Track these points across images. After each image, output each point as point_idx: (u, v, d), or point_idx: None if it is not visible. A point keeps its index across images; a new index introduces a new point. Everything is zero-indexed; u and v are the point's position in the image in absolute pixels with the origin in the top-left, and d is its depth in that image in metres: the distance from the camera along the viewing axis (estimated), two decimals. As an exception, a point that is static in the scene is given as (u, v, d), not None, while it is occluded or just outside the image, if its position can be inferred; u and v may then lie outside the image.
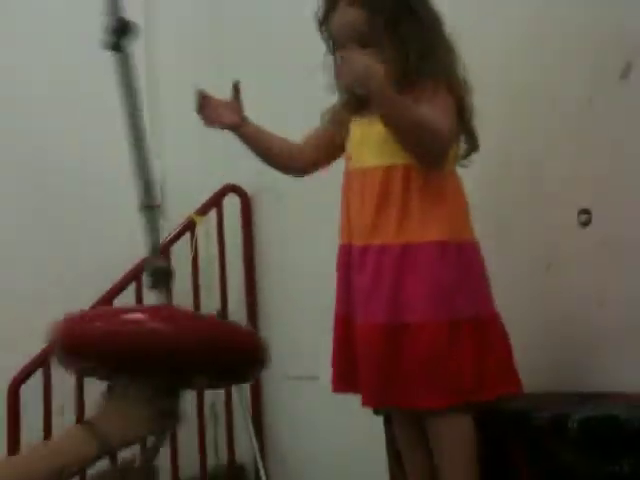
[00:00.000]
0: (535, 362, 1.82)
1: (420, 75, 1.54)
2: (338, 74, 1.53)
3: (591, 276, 1.78)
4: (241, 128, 1.71)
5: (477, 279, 1.58)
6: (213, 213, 2.94)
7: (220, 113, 1.68)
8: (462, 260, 1.56)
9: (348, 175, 1.65)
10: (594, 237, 1.77)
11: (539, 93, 1.90)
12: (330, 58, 1.65)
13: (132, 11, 3.02)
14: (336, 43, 1.61)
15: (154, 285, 1.30)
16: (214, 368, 1.22)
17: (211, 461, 2.90)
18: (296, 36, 1.75)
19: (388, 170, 1.56)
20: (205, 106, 1.68)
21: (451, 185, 1.61)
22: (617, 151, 1.74)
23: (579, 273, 1.81)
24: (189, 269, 2.89)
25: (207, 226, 2.94)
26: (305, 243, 2.67)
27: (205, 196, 2.94)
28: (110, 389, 1.24)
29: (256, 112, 2.71)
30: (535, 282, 1.89)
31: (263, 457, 2.64)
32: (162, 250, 2.84)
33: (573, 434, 1.40)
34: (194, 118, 3.08)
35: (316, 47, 1.66)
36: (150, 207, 1.34)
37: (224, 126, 1.70)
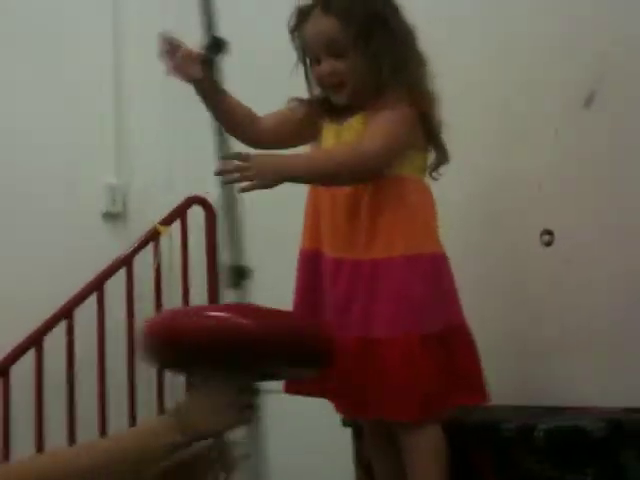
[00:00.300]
0: (499, 376, 1.90)
1: (388, 88, 1.55)
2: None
3: (553, 292, 1.86)
4: (205, 82, 1.58)
5: (446, 291, 1.60)
6: (177, 224, 2.96)
7: (185, 63, 1.55)
8: (430, 273, 1.58)
9: None
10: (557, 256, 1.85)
11: (509, 121, 1.98)
12: (301, 66, 1.66)
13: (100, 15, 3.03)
14: (309, 52, 1.62)
15: (233, 284, 1.46)
16: (292, 361, 1.33)
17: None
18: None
19: None
20: (170, 53, 1.55)
21: (420, 196, 1.62)
22: (583, 174, 1.83)
23: (542, 289, 1.88)
24: (152, 279, 2.91)
25: (171, 237, 2.95)
26: (269, 255, 2.70)
27: (169, 208, 2.96)
28: (192, 383, 1.32)
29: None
30: (500, 296, 1.95)
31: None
32: (125, 259, 2.88)
33: (539, 443, 1.45)
34: (161, 129, 3.16)
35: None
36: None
37: (187, 77, 1.57)
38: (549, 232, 1.86)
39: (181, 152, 3.10)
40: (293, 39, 1.64)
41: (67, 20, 3.02)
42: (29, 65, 2.92)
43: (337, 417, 1.89)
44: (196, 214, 2.98)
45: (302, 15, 1.60)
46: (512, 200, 1.96)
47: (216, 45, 1.51)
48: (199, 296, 2.95)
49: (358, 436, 1.86)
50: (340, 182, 1.56)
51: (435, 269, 1.59)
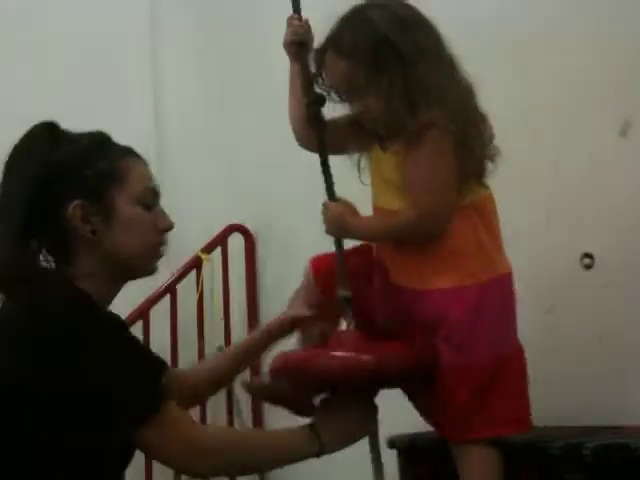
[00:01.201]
0: (540, 398, 1.94)
1: (408, 118, 1.49)
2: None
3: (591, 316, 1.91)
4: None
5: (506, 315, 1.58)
6: (218, 252, 3.04)
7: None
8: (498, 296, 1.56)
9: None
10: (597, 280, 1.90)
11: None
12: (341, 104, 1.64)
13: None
14: (337, 93, 1.62)
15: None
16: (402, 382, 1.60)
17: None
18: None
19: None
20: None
21: (463, 225, 1.55)
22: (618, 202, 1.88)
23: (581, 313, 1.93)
24: (194, 306, 2.98)
25: (212, 265, 3.03)
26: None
27: (209, 236, 3.04)
28: (326, 401, 1.54)
29: (270, 159, 2.85)
30: (539, 321, 2.00)
31: None
32: (169, 287, 2.96)
33: (587, 461, 1.49)
34: (201, 156, 3.23)
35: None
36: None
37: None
38: (589, 255, 1.91)
39: (220, 179, 3.18)
40: (321, 87, 1.63)
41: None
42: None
43: (382, 438, 1.94)
44: (236, 241, 3.07)
45: (319, 60, 1.61)
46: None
47: (320, 101, 1.64)
48: (239, 323, 3.02)
49: (404, 458, 1.91)
50: (399, 236, 1.58)
51: (491, 295, 1.55)
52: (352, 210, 1.61)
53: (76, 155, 1.39)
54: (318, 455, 1.46)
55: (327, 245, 1.83)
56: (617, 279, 1.87)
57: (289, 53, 1.69)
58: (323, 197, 1.83)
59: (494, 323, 1.54)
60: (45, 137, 1.40)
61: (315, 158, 1.76)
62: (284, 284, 2.91)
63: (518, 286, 1.83)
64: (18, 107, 2.79)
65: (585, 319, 1.93)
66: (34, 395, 1.27)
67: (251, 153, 3.12)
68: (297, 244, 2.86)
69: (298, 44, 1.66)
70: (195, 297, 2.99)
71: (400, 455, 1.93)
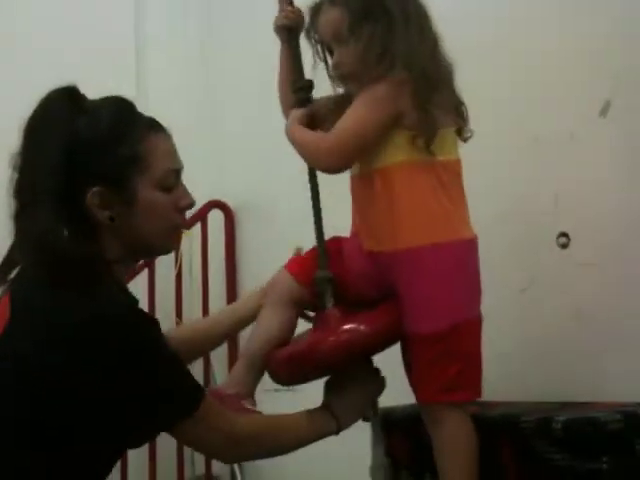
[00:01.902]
0: (516, 374, 1.97)
1: (384, 73, 1.52)
2: None
3: (568, 295, 1.93)
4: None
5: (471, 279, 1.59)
6: (197, 228, 3.04)
7: None
8: (456, 261, 1.56)
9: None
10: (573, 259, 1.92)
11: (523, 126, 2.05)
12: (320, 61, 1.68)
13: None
14: (324, 46, 1.66)
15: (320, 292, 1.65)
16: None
17: (187, 473, 2.96)
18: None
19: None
20: None
21: (411, 184, 1.55)
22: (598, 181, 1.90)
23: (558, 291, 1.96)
24: (172, 282, 2.98)
25: (191, 240, 3.03)
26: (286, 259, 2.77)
27: (190, 211, 3.03)
28: (331, 380, 1.62)
29: (252, 136, 2.86)
30: (516, 299, 2.02)
31: (241, 470, 2.72)
32: (147, 262, 2.95)
33: (557, 434, 1.52)
34: (182, 133, 3.22)
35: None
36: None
37: None
38: (565, 234, 1.93)
39: (201, 156, 3.17)
40: (310, 37, 1.67)
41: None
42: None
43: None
44: (216, 218, 3.07)
45: (315, 12, 1.63)
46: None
47: (307, 87, 1.70)
48: (218, 298, 3.02)
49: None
50: (303, 155, 1.64)
51: (460, 257, 1.57)
52: (301, 119, 1.64)
53: (99, 135, 1.32)
54: (337, 432, 1.56)
55: (307, 224, 1.85)
56: (593, 258, 1.89)
57: (280, 37, 1.72)
58: (304, 176, 1.85)
59: (452, 288, 1.54)
60: (65, 104, 1.34)
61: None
62: (263, 261, 2.93)
63: (494, 264, 1.87)
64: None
65: (561, 297, 1.95)
66: (82, 393, 1.25)
67: (233, 131, 3.12)
68: (277, 221, 2.88)
69: (289, 29, 1.70)
70: (174, 273, 2.99)
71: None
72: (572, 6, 1.98)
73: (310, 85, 1.69)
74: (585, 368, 1.88)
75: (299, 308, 1.70)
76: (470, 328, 1.56)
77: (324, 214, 1.72)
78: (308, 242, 1.82)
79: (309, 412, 1.55)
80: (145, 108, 1.46)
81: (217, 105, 3.21)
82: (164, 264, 2.98)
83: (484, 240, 2.03)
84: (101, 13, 3.10)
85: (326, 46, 1.65)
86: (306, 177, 1.75)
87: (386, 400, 1.94)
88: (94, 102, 1.40)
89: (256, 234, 3.01)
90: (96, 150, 1.32)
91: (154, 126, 1.41)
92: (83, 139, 1.32)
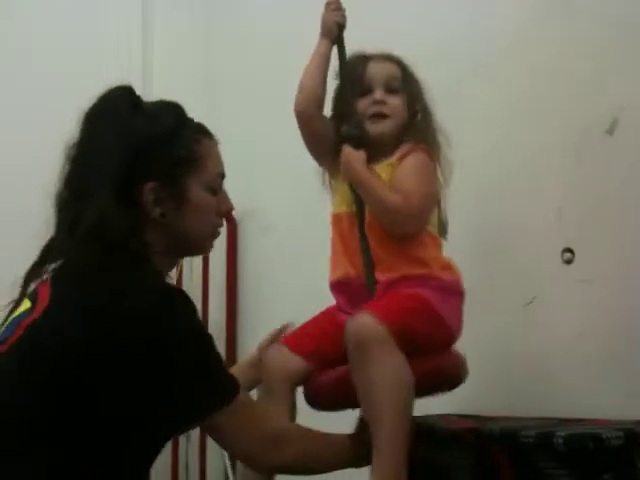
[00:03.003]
0: (516, 389, 1.96)
1: (416, 135, 1.69)
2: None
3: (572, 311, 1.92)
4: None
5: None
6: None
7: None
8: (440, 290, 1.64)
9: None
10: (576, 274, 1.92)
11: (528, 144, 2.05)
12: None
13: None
14: (363, 84, 1.71)
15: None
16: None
17: (182, 481, 2.95)
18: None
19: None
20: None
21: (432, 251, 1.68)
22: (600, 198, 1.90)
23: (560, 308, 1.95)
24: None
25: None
26: (289, 273, 2.77)
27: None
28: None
29: (244, 132, 2.85)
30: (517, 315, 2.02)
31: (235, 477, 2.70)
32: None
33: (559, 449, 1.51)
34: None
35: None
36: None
37: None
38: (570, 250, 1.93)
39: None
40: (345, 71, 1.72)
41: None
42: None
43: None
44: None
45: (364, 57, 1.73)
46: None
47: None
48: (218, 309, 3.01)
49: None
50: (381, 215, 1.63)
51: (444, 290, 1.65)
52: (364, 162, 1.64)
53: (158, 134, 1.38)
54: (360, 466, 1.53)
55: (310, 234, 1.85)
56: (597, 274, 1.88)
57: (329, 34, 1.74)
58: (308, 185, 1.86)
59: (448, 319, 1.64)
60: (127, 102, 1.39)
61: (301, 146, 1.80)
62: (265, 270, 2.93)
63: (501, 279, 1.87)
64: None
65: (564, 314, 1.94)
66: (116, 374, 1.24)
67: (236, 139, 3.11)
68: (280, 230, 2.87)
69: (340, 27, 1.74)
70: (174, 279, 2.97)
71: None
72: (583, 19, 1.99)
73: (362, 120, 1.68)
74: (585, 385, 1.88)
75: (296, 384, 1.67)
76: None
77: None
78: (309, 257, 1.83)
79: (346, 436, 1.53)
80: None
81: (220, 114, 3.20)
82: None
83: (487, 255, 2.05)
84: (107, 10, 3.11)
85: (367, 84, 1.70)
86: (306, 184, 1.78)
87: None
88: (150, 104, 1.45)
89: (259, 243, 3.01)
90: (155, 147, 1.37)
91: (206, 131, 1.47)
92: (143, 136, 1.37)
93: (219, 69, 3.20)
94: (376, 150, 1.69)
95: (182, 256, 1.50)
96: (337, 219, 1.72)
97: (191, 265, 3.06)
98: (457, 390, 1.73)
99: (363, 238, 1.63)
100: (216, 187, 1.44)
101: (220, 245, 3.04)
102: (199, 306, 2.98)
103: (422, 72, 1.78)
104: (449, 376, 1.65)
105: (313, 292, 1.89)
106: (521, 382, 1.98)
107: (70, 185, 1.36)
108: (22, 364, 1.26)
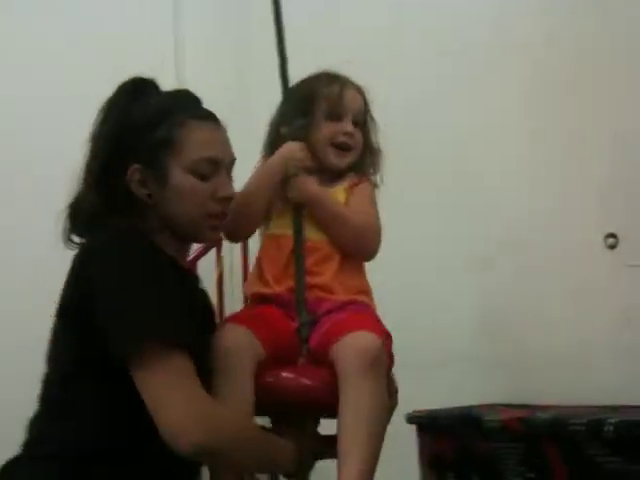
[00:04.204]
0: (565, 377, 1.95)
1: (367, 167, 1.66)
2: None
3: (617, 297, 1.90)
4: None
5: None
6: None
7: None
8: None
9: None
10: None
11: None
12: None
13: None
14: (335, 109, 1.64)
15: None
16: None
17: None
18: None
19: None
20: None
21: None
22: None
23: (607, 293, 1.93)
24: (213, 286, 2.99)
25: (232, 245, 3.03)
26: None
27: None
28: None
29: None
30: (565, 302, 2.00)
31: None
32: (190, 263, 2.94)
33: (609, 437, 1.49)
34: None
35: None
36: None
37: None
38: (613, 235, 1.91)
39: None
40: (312, 89, 1.65)
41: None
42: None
43: (402, 413, 1.95)
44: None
45: (338, 78, 1.66)
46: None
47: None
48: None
49: (424, 433, 1.92)
50: (341, 238, 1.58)
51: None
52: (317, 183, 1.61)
53: (143, 118, 1.41)
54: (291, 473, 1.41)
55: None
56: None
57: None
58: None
59: None
60: (131, 90, 1.44)
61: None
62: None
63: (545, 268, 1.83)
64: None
65: (611, 300, 1.92)
66: (80, 315, 1.30)
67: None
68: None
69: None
70: (214, 276, 2.99)
71: (420, 430, 1.94)
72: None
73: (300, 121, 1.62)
74: (633, 371, 1.85)
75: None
76: None
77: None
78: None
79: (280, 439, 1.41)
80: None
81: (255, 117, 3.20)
82: (204, 267, 2.99)
83: (533, 243, 2.03)
84: (139, 14, 3.12)
85: (338, 111, 1.63)
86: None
87: (431, 403, 1.94)
88: (157, 93, 1.47)
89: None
90: (137, 131, 1.41)
91: (202, 116, 1.43)
92: (131, 121, 1.41)
93: (252, 73, 3.20)
94: (322, 174, 1.68)
95: (184, 240, 1.47)
96: (285, 240, 1.65)
97: (231, 264, 3.07)
98: (502, 379, 1.72)
99: (300, 259, 1.60)
100: (203, 172, 1.39)
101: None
102: (237, 305, 2.99)
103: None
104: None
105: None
106: (567, 370, 1.96)
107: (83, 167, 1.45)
108: (57, 319, 1.36)
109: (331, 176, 1.66)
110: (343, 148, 1.64)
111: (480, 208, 2.19)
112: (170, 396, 1.23)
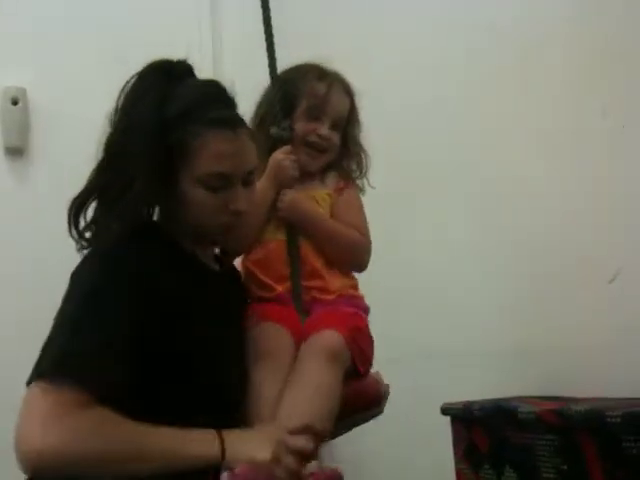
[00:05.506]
0: (601, 367, 1.91)
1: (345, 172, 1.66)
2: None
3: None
4: None
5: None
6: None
7: None
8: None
9: None
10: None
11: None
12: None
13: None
14: (317, 109, 1.62)
15: None
16: None
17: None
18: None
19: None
20: None
21: None
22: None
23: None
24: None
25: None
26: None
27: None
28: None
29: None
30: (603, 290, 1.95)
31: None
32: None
33: (645, 429, 1.46)
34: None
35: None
36: None
37: None
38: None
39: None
40: (299, 85, 1.64)
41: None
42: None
43: (435, 405, 1.93)
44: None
45: (327, 76, 1.64)
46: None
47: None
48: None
49: (458, 425, 1.90)
50: (334, 254, 1.59)
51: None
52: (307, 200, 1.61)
53: (168, 116, 1.35)
54: (215, 465, 1.23)
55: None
56: None
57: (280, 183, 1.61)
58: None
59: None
60: (163, 78, 1.39)
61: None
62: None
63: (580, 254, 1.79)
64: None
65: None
66: None
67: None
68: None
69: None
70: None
71: (454, 422, 1.92)
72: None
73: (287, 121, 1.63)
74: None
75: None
76: None
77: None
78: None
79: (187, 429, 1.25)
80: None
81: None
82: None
83: (570, 231, 2.00)
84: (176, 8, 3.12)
85: (320, 111, 1.61)
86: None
87: (465, 395, 1.91)
88: (187, 84, 1.40)
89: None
90: (156, 133, 1.34)
91: (220, 124, 1.36)
92: (163, 113, 1.35)
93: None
94: (301, 174, 1.62)
95: (200, 241, 1.45)
96: (275, 244, 1.63)
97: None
98: (536, 370, 1.69)
99: (295, 261, 1.58)
100: (211, 185, 1.35)
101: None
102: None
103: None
104: (369, 401, 1.60)
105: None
106: (604, 361, 1.91)
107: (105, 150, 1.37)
108: None
109: (311, 176, 1.63)
110: (316, 149, 1.62)
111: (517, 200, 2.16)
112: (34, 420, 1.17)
